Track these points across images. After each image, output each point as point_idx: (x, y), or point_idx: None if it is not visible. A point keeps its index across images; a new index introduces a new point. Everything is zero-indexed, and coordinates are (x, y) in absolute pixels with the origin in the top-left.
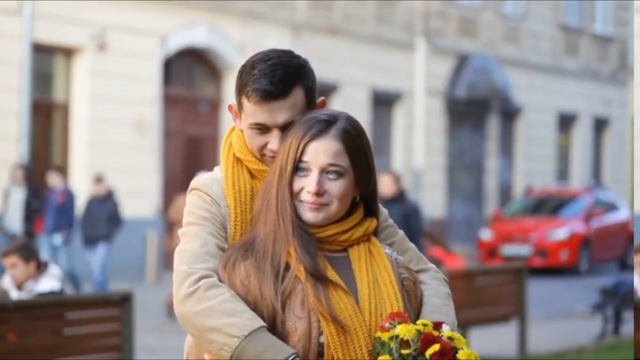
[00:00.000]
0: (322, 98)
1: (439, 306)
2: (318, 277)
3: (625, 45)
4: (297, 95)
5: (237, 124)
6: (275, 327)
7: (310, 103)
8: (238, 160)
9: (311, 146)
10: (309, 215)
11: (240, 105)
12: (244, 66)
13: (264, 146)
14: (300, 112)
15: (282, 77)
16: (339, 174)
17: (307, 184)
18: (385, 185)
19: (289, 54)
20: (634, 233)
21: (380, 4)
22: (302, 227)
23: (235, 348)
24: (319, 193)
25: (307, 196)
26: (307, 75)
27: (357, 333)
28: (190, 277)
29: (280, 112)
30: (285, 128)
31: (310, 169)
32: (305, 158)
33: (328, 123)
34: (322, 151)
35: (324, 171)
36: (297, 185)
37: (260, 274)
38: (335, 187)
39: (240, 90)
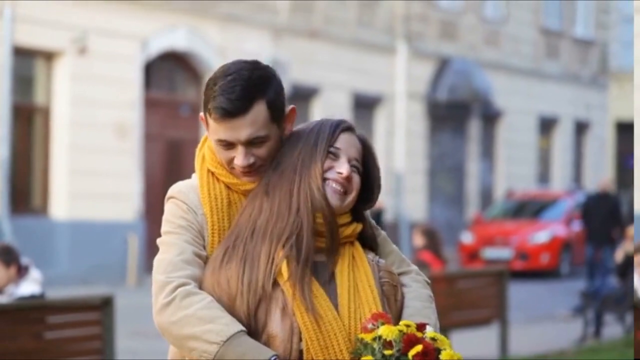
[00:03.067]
0: (291, 107)
1: (420, 309)
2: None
3: (606, 48)
4: (258, 110)
5: (209, 134)
6: (252, 328)
7: (276, 114)
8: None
9: (343, 136)
10: (334, 197)
11: (205, 120)
12: (209, 80)
13: (232, 160)
14: (262, 126)
15: (241, 93)
16: (357, 169)
17: (338, 166)
18: None
19: (251, 66)
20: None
21: (361, 7)
22: (315, 213)
23: (215, 354)
24: (349, 178)
25: (336, 176)
26: (269, 86)
27: (337, 338)
28: (167, 287)
29: (241, 129)
30: (249, 143)
31: (339, 155)
32: (338, 144)
33: (351, 126)
34: (352, 144)
35: (350, 162)
36: (326, 164)
37: (250, 261)
38: (356, 179)
39: (205, 106)
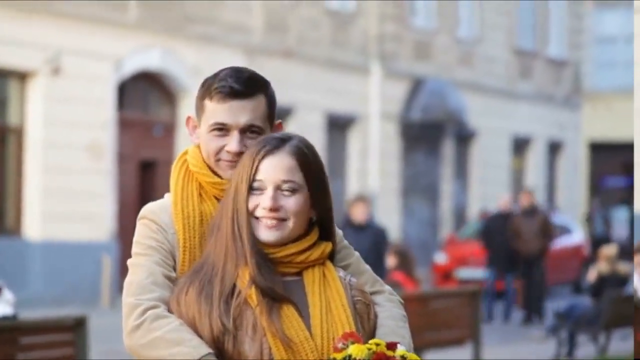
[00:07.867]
0: (279, 121)
1: (394, 328)
2: (274, 298)
3: (579, 69)
4: (261, 101)
5: (194, 139)
6: (224, 353)
7: (270, 115)
8: (187, 182)
9: (265, 163)
10: (266, 233)
11: (201, 110)
12: (203, 82)
13: (221, 149)
14: (261, 116)
15: (249, 78)
16: (294, 190)
17: (262, 201)
18: (359, 212)
19: (251, 70)
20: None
21: (335, 27)
22: (258, 247)
23: None
24: (273, 209)
25: (262, 212)
26: (270, 89)
27: (309, 358)
28: (136, 309)
29: (242, 112)
30: (244, 132)
31: (264, 186)
32: (259, 176)
33: (281, 141)
34: (276, 167)
35: (278, 188)
36: (252, 203)
37: (207, 298)
38: (290, 202)
39: (204, 95)
